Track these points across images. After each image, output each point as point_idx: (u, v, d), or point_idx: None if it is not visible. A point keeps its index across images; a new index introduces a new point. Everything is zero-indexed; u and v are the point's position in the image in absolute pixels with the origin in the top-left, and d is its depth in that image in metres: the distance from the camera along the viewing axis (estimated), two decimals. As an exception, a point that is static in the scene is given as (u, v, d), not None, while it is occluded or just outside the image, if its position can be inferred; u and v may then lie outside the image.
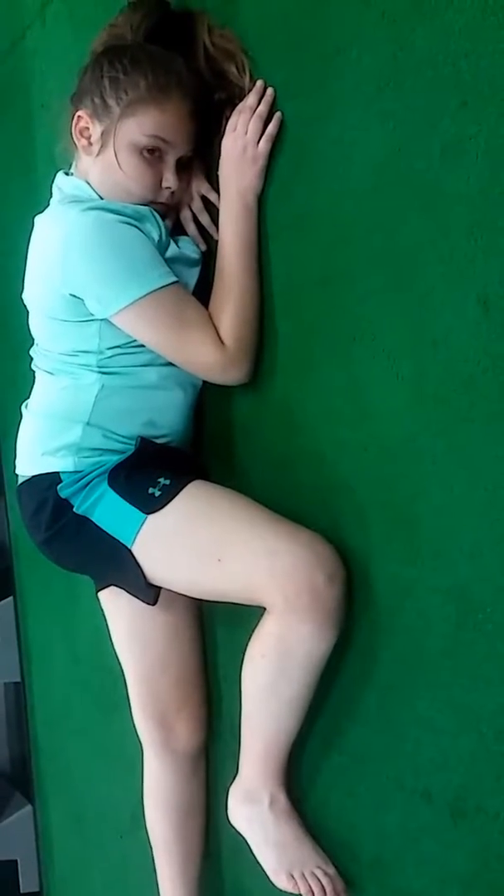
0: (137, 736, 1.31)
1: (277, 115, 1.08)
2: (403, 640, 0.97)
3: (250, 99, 1.09)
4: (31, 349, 1.26)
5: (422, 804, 0.96)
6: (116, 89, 1.11)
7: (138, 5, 1.19)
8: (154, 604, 1.14)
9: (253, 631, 1.05)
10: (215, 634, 1.32)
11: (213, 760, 1.33)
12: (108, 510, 1.11)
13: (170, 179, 1.13)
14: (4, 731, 2.25)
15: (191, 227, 1.21)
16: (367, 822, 1.06)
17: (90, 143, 1.15)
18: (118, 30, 1.18)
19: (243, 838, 1.10)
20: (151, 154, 1.12)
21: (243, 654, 1.05)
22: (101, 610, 1.30)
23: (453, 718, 0.91)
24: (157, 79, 1.10)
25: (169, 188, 1.13)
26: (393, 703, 0.99)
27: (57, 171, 1.24)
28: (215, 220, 1.17)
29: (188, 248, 1.19)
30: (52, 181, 1.24)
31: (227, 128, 1.12)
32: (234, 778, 1.10)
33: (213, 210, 1.19)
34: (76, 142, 1.18)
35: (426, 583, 0.93)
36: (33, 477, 1.18)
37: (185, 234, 1.22)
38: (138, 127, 1.11)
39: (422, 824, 0.97)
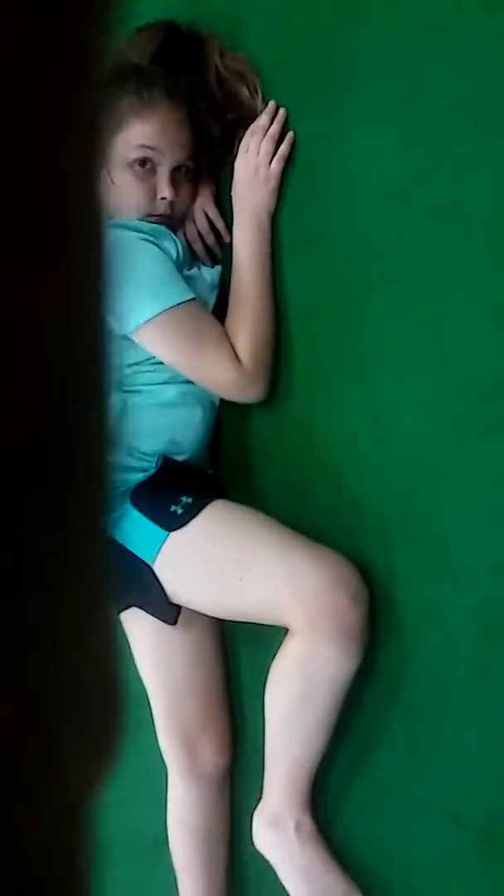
0: (160, 759, 1.29)
1: (290, 135, 1.09)
2: (429, 661, 0.95)
3: (262, 119, 1.10)
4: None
5: (452, 829, 0.94)
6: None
7: (144, 30, 1.21)
8: (174, 624, 1.14)
9: (276, 651, 1.04)
10: (238, 655, 1.31)
11: (237, 783, 1.32)
12: (130, 528, 1.11)
13: (164, 189, 1.14)
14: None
15: (198, 246, 1.21)
16: (396, 848, 1.04)
17: None
18: (124, 55, 1.19)
19: (269, 864, 1.09)
20: (143, 166, 1.13)
21: (266, 674, 1.04)
22: (122, 632, 1.29)
23: (482, 740, 0.89)
24: (140, 93, 1.12)
25: (164, 199, 1.14)
26: (419, 725, 0.98)
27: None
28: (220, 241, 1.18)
29: (207, 270, 1.19)
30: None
31: (240, 149, 1.12)
32: (259, 802, 1.09)
33: (218, 231, 1.20)
34: None
35: (451, 602, 0.92)
36: None
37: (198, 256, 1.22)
38: (124, 141, 1.12)
39: (452, 850, 0.95)
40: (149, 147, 1.12)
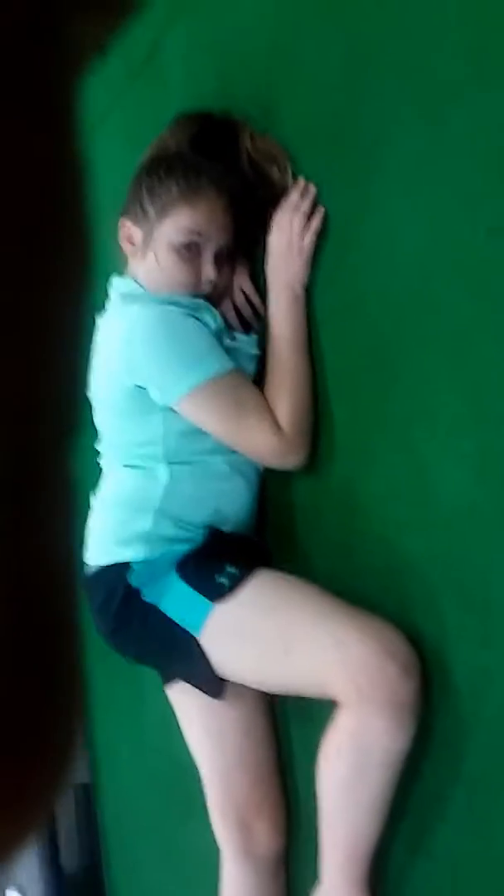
0: (212, 837, 1.26)
1: (320, 209, 1.13)
2: (488, 730, 0.92)
3: (293, 197, 1.14)
4: (97, 444, 1.29)
5: (522, 913, 0.89)
6: (152, 196, 1.19)
7: (181, 119, 1.28)
8: (220, 697, 1.12)
9: (326, 724, 1.01)
10: (288, 729, 1.27)
11: (292, 864, 1.27)
12: (176, 599, 1.11)
13: (209, 271, 1.18)
14: (75, 835, 2.19)
15: (231, 315, 1.25)
16: (463, 935, 0.98)
17: (135, 247, 1.22)
18: (164, 143, 1.26)
19: None
20: (189, 250, 1.17)
21: (318, 748, 1.01)
22: (169, 705, 1.28)
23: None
24: (188, 180, 1.17)
25: (209, 280, 1.18)
26: (483, 799, 0.93)
27: (111, 276, 1.30)
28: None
29: (245, 339, 1.22)
30: (107, 285, 1.29)
31: (273, 225, 1.16)
32: (315, 883, 1.04)
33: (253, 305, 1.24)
34: (124, 248, 1.24)
35: (507, 668, 0.89)
36: (103, 566, 1.19)
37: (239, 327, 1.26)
38: (173, 226, 1.17)
39: (524, 937, 0.89)
40: (196, 232, 1.16)
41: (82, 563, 1.98)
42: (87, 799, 2.09)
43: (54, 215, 0.17)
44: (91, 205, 0.18)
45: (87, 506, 1.31)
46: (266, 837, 1.22)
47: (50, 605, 0.18)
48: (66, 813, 2.12)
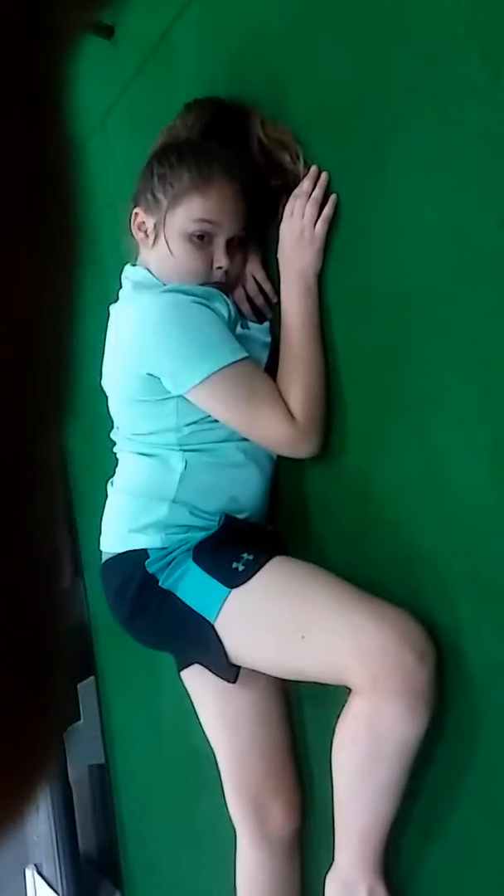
0: (227, 818, 1.27)
1: (332, 197, 1.12)
2: (501, 719, 0.93)
3: (305, 184, 1.14)
4: (112, 433, 1.30)
5: (534, 896, 0.90)
6: (164, 184, 1.18)
7: (193, 106, 1.27)
8: (234, 682, 1.13)
9: (340, 708, 1.02)
10: (302, 713, 1.29)
11: (307, 846, 1.29)
12: (192, 585, 1.12)
13: (221, 259, 1.18)
14: (90, 815, 2.22)
15: (245, 307, 1.25)
16: (476, 915, 0.99)
17: (146, 236, 1.22)
18: (175, 130, 1.26)
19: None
20: (201, 239, 1.17)
21: (332, 732, 1.02)
22: (184, 690, 1.29)
23: None
24: (200, 169, 1.16)
25: (220, 268, 1.18)
26: (496, 785, 0.94)
27: (124, 265, 1.30)
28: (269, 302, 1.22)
29: (257, 328, 1.23)
30: (120, 274, 1.30)
31: (285, 213, 1.16)
32: (330, 865, 1.06)
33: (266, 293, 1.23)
34: (135, 236, 1.24)
35: (520, 656, 0.90)
36: (120, 554, 1.20)
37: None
38: (185, 215, 1.17)
39: (536, 918, 0.90)
40: (208, 221, 1.16)
41: (77, 550, 2.00)
42: (103, 780, 2.13)
43: (40, 206, 0.17)
44: (80, 195, 0.18)
45: (90, 494, 1.32)
46: (281, 819, 1.24)
47: (39, 590, 0.18)
48: (82, 794, 2.15)
